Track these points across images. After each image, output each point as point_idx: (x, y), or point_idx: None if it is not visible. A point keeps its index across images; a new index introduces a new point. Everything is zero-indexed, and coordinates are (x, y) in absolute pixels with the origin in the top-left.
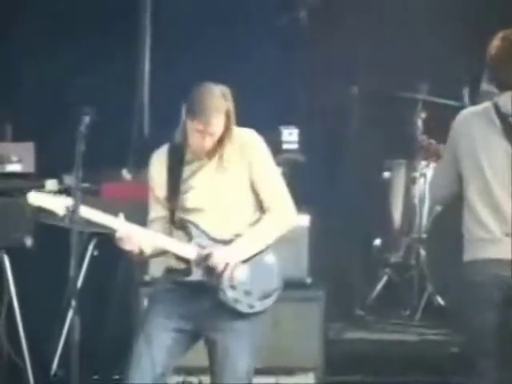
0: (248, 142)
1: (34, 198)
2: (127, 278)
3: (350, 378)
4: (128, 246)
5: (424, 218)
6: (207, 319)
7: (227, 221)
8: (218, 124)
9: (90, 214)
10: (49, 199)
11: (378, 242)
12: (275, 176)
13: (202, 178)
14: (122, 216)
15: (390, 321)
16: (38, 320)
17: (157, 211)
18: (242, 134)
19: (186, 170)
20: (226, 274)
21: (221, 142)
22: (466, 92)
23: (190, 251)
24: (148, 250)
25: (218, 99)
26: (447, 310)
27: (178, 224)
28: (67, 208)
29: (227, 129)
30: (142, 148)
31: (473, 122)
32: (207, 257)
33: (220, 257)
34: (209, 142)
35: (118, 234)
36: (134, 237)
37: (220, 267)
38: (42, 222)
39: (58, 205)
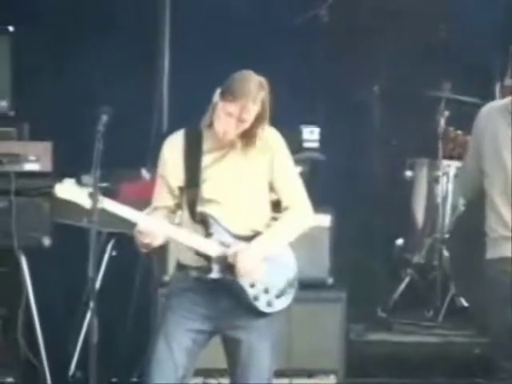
0: (270, 140)
1: (61, 191)
2: (146, 279)
3: (372, 380)
4: (147, 239)
5: (447, 217)
6: (227, 318)
7: (245, 216)
8: (252, 112)
9: (113, 207)
10: (76, 192)
11: (400, 242)
12: (295, 176)
13: (222, 169)
14: (146, 211)
15: (412, 322)
16: (55, 321)
17: (163, 200)
18: (265, 132)
19: (206, 159)
20: (249, 274)
21: (250, 133)
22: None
23: (211, 248)
24: (160, 241)
25: (258, 88)
26: (470, 311)
27: (197, 217)
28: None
29: (259, 120)
30: (160, 147)
31: (496, 117)
32: (231, 256)
33: (244, 257)
34: (236, 129)
35: (137, 228)
36: (154, 231)
37: (244, 268)
38: (60, 221)
39: (85, 198)
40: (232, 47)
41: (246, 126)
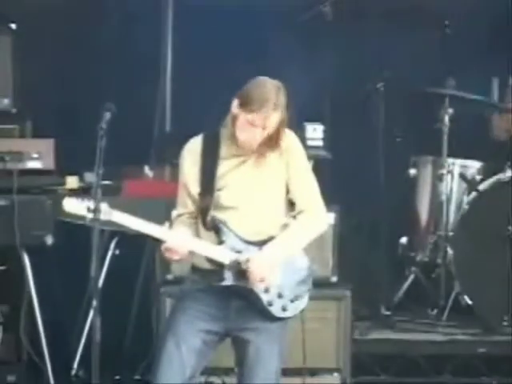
0: (287, 143)
1: (69, 206)
2: (149, 277)
3: (376, 378)
4: (176, 256)
5: (451, 215)
6: (238, 320)
7: (261, 221)
8: (275, 119)
9: (134, 223)
10: (83, 206)
11: (404, 240)
12: (311, 179)
13: (240, 176)
14: (167, 224)
15: (416, 320)
16: (58, 320)
17: (186, 207)
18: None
19: (223, 166)
20: (262, 279)
21: (275, 137)
22: (495, 87)
23: (223, 255)
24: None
25: (276, 94)
26: (474, 309)
27: (209, 225)
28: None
29: (282, 125)
30: (163, 144)
31: None
32: (244, 263)
33: (257, 263)
34: (260, 138)
35: (166, 245)
36: (181, 247)
37: (257, 274)
38: (63, 219)
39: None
40: (235, 45)
41: (269, 133)
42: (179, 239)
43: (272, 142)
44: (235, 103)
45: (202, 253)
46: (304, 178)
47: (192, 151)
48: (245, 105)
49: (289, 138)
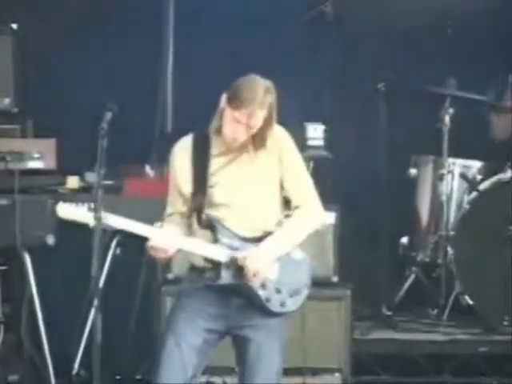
0: (279, 139)
1: (63, 211)
2: (150, 277)
3: (377, 378)
4: (161, 254)
5: (451, 215)
6: (238, 318)
7: (256, 217)
8: (259, 117)
9: (118, 222)
10: (78, 211)
11: (404, 240)
12: (305, 174)
13: (232, 172)
14: (157, 224)
15: (417, 320)
16: (59, 319)
17: (176, 206)
18: (273, 131)
19: (214, 164)
20: (259, 276)
21: (260, 136)
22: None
23: (220, 253)
24: (172, 252)
25: (264, 92)
26: (475, 309)
27: (204, 223)
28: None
29: (268, 123)
30: (164, 144)
31: None
32: (241, 259)
33: (254, 260)
34: (244, 135)
35: (151, 243)
36: (166, 246)
37: (254, 271)
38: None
39: (88, 216)
40: (237, 45)
41: (255, 130)
42: (174, 240)
43: (257, 140)
44: (224, 97)
45: (198, 252)
46: (297, 174)
47: (182, 150)
48: (231, 101)
49: (280, 134)
